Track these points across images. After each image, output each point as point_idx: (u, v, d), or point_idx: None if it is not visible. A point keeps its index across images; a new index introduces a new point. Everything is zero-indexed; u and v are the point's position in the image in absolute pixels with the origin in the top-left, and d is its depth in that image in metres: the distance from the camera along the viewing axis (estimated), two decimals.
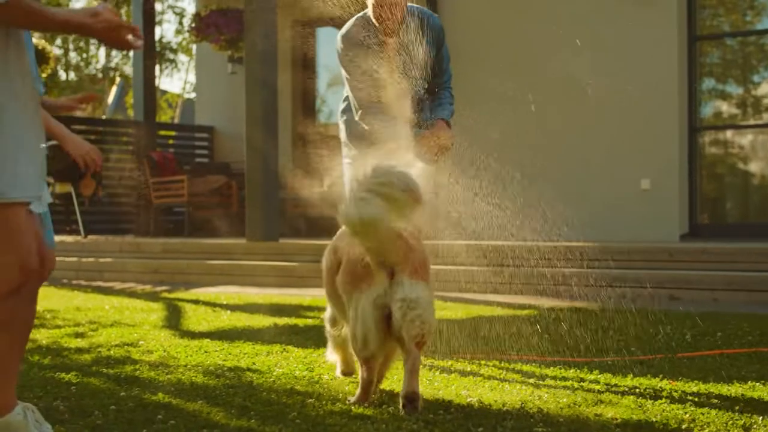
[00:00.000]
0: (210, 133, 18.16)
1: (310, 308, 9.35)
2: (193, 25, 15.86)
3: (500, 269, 10.22)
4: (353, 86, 6.21)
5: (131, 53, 17.12)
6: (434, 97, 6.33)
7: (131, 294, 11.18)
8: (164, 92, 38.88)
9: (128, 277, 12.91)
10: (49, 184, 14.65)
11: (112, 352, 6.57)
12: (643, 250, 10.36)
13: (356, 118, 6.25)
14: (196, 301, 10.09)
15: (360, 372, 4.74)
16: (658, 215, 12.40)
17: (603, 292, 9.10)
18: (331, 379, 5.40)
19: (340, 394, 4.91)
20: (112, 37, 3.73)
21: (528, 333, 6.88)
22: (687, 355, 6.13)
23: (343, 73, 6.30)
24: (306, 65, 17.00)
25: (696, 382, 5.27)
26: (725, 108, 13.33)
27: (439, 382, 5.31)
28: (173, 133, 20.26)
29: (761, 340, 6.79)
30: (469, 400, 4.78)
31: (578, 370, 5.66)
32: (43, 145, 3.73)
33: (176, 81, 61.53)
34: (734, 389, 5.05)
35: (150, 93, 17.03)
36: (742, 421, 4.25)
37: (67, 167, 14.70)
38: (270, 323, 8.12)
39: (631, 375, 5.48)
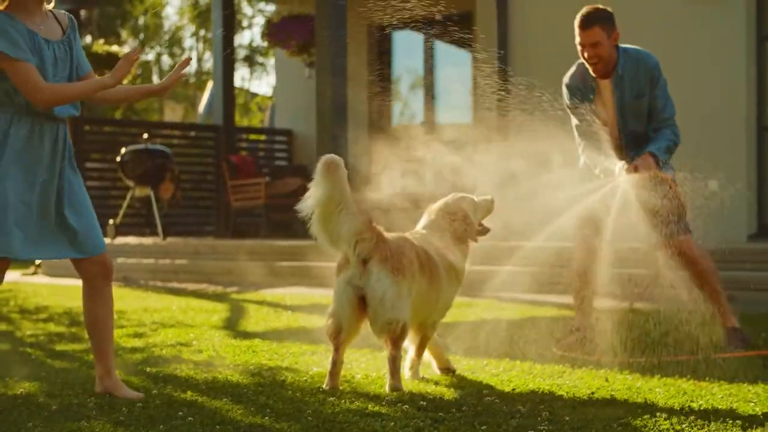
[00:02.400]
0: (289, 137, 18.45)
1: None
2: (266, 31, 16.17)
3: (560, 270, 10.25)
4: (577, 128, 6.93)
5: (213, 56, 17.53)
6: (656, 133, 6.86)
7: (201, 295, 11.46)
8: (254, 95, 39.42)
9: (202, 279, 13.22)
10: (128, 188, 15.12)
11: (164, 351, 6.81)
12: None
13: (580, 154, 6.97)
14: (261, 302, 10.34)
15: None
16: (725, 215, 12.28)
17: (662, 293, 9.07)
18: (363, 378, 5.56)
19: (365, 393, 5.07)
20: None
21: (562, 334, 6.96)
22: (723, 356, 6.15)
23: (572, 119, 6.96)
24: (383, 69, 17.17)
25: (721, 382, 5.32)
26: None
27: (466, 382, 5.44)
28: (263, 137, 20.51)
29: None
30: (486, 399, 4.90)
31: (608, 371, 5.74)
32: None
33: (265, 85, 62.20)
34: (757, 391, 5.09)
35: (229, 97, 17.36)
36: (741, 422, 4.31)
37: (146, 171, 15.11)
38: (324, 324, 8.28)
39: (659, 375, 5.55)
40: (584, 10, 6.83)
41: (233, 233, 16.37)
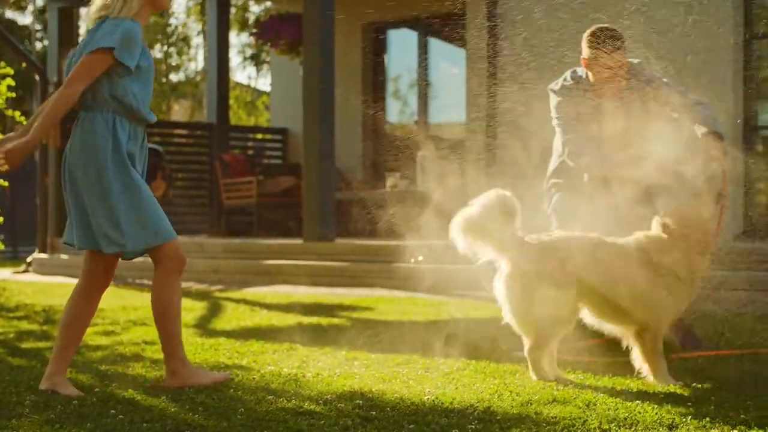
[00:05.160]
0: (284, 135, 18.44)
1: (347, 308, 9.51)
2: (254, 30, 16.17)
3: None
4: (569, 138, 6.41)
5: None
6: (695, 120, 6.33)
7: (183, 293, 11.36)
8: (261, 93, 39.38)
9: (189, 277, 13.19)
10: None
11: (126, 350, 6.81)
12: None
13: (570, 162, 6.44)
14: (240, 300, 10.33)
15: None
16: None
17: None
18: (314, 377, 5.55)
19: (308, 392, 5.06)
20: None
21: None
22: (679, 357, 6.11)
23: (560, 124, 6.48)
24: (377, 66, 17.15)
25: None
26: None
27: (414, 382, 5.42)
28: (269, 137, 20.42)
29: (765, 342, 6.72)
30: (426, 398, 4.88)
31: (562, 370, 5.70)
32: None
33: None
34: (699, 391, 5.06)
35: (223, 95, 17.37)
36: (670, 421, 4.28)
37: None
38: (295, 322, 8.30)
39: (609, 375, 5.52)
40: (602, 29, 6.27)
41: (226, 232, 16.38)
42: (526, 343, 5.44)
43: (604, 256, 5.41)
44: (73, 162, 5.08)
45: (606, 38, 6.21)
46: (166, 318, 5.24)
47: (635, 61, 6.51)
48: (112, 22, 5.06)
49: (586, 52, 6.30)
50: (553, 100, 6.49)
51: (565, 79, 6.48)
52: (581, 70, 6.47)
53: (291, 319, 8.54)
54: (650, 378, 5.34)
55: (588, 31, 6.31)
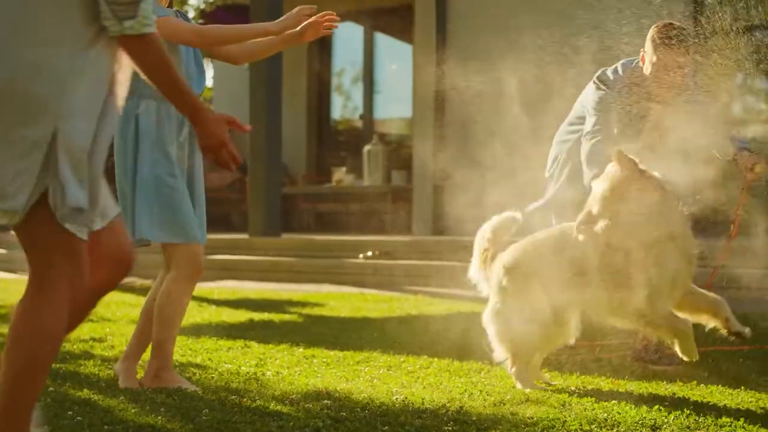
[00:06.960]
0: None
1: (296, 303, 9.34)
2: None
3: None
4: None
5: None
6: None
7: (129, 289, 11.15)
8: None
9: (133, 272, 12.91)
10: None
11: (75, 347, 6.57)
12: None
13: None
14: None
15: None
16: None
17: None
18: (274, 375, 5.38)
19: (271, 391, 4.89)
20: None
21: None
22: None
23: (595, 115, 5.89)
24: (322, 60, 16.99)
25: (639, 382, 5.18)
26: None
27: (380, 380, 5.26)
28: None
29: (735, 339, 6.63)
30: (396, 398, 4.72)
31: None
32: None
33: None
34: (673, 389, 4.98)
35: None
36: (652, 421, 4.17)
37: None
38: (246, 318, 8.12)
39: (577, 374, 5.41)
40: (670, 25, 5.75)
41: None
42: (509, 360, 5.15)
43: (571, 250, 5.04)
44: (115, 153, 4.84)
45: (675, 36, 5.67)
46: (171, 317, 4.98)
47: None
48: None
49: (649, 47, 5.80)
50: (597, 92, 5.91)
51: (615, 71, 5.96)
52: (636, 62, 5.94)
53: (242, 315, 8.35)
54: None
55: (656, 26, 5.80)
